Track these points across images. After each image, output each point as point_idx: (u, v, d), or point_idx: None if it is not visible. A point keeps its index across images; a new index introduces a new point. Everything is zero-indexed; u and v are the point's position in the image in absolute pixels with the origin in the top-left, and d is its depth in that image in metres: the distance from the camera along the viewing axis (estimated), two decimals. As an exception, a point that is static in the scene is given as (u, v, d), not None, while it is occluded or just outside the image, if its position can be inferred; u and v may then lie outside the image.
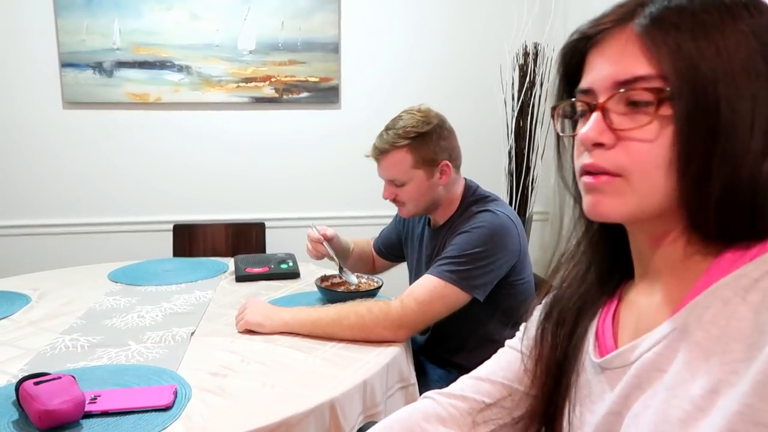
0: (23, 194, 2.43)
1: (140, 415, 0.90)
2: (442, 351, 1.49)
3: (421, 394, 1.23)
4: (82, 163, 2.45)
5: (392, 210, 1.52)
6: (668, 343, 0.49)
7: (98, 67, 2.36)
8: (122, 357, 1.14)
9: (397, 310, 1.23)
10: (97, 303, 1.47)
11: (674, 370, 0.47)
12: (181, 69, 2.41)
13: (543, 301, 0.67)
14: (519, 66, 2.49)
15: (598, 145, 0.50)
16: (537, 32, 2.48)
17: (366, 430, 1.04)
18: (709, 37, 0.45)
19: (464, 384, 0.70)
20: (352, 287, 1.51)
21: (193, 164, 2.52)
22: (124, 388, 0.98)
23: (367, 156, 1.45)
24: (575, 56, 0.55)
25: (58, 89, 2.37)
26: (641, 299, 0.56)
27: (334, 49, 2.50)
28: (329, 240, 1.58)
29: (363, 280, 1.54)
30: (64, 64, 2.34)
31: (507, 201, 2.51)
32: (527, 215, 2.56)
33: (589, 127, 0.50)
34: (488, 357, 0.73)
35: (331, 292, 1.46)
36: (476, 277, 1.27)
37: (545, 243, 2.83)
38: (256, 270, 1.71)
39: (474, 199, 1.43)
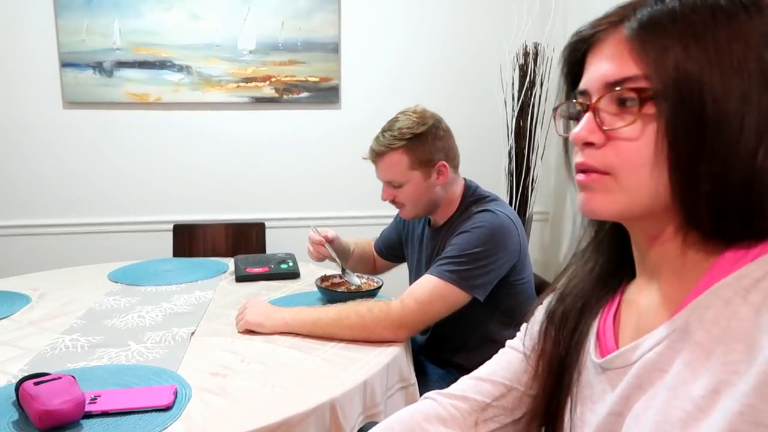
0: (23, 194, 2.43)
1: (140, 415, 0.90)
2: (442, 351, 1.49)
3: (421, 394, 1.24)
4: (82, 163, 2.45)
5: (392, 210, 1.52)
6: (669, 343, 0.49)
7: (98, 67, 2.36)
8: (122, 357, 1.14)
9: (398, 310, 1.23)
10: (97, 303, 1.47)
11: (675, 371, 0.48)
12: (181, 69, 2.41)
13: (546, 301, 0.67)
14: (519, 66, 2.49)
15: (589, 144, 0.51)
16: (537, 32, 2.48)
17: (366, 430, 1.04)
18: (697, 38, 0.45)
19: (465, 384, 0.70)
20: (353, 288, 1.51)
21: (193, 164, 2.52)
22: (124, 389, 0.98)
23: (365, 158, 1.45)
24: (575, 58, 0.56)
25: (58, 89, 2.37)
26: (642, 299, 0.56)
27: (334, 49, 2.50)
28: (330, 242, 1.58)
29: (363, 280, 1.54)
30: (64, 64, 2.34)
31: (507, 201, 2.51)
32: (527, 215, 2.57)
33: (580, 127, 0.51)
34: (488, 357, 0.73)
35: (331, 292, 1.45)
36: (476, 277, 1.27)
37: (545, 243, 2.83)
38: (256, 270, 1.71)
39: (474, 199, 1.43)
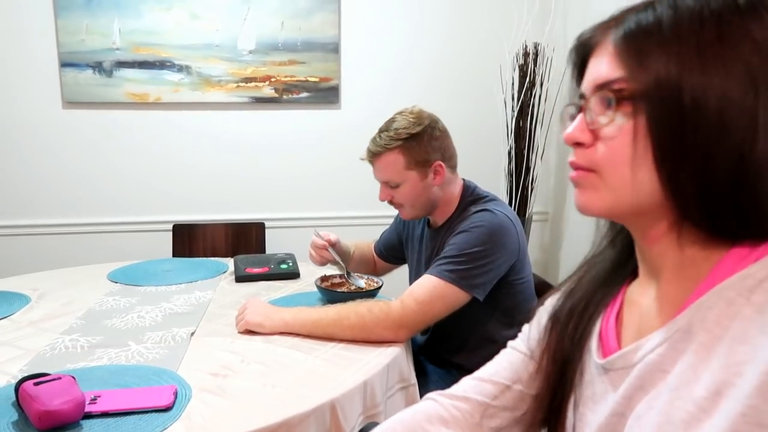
0: (23, 194, 2.43)
1: (140, 415, 0.90)
2: (442, 351, 1.49)
3: (421, 395, 1.24)
4: (81, 163, 2.45)
5: (392, 211, 1.52)
6: (672, 344, 0.49)
7: (98, 67, 2.36)
8: (122, 357, 1.14)
9: (398, 310, 1.23)
10: (96, 303, 1.47)
11: (678, 372, 0.48)
12: (180, 69, 2.41)
13: (548, 301, 0.68)
14: (519, 66, 2.49)
15: (579, 144, 0.53)
16: (537, 32, 2.48)
17: (368, 431, 1.04)
18: (680, 43, 0.47)
19: (467, 385, 0.70)
20: (353, 288, 1.51)
21: (192, 164, 2.52)
22: (124, 389, 0.98)
23: (362, 159, 1.45)
24: (579, 60, 0.57)
25: (57, 89, 2.37)
26: (644, 299, 0.56)
27: (334, 49, 2.50)
28: (333, 245, 1.58)
29: (363, 280, 1.54)
30: (64, 64, 2.34)
31: (507, 201, 2.51)
32: (527, 215, 2.57)
33: (572, 127, 0.54)
34: (488, 357, 0.73)
35: (331, 293, 1.45)
36: (476, 277, 1.27)
37: (545, 243, 2.83)
38: (256, 270, 1.71)
39: (472, 198, 1.43)
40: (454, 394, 0.70)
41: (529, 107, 2.48)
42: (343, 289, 1.51)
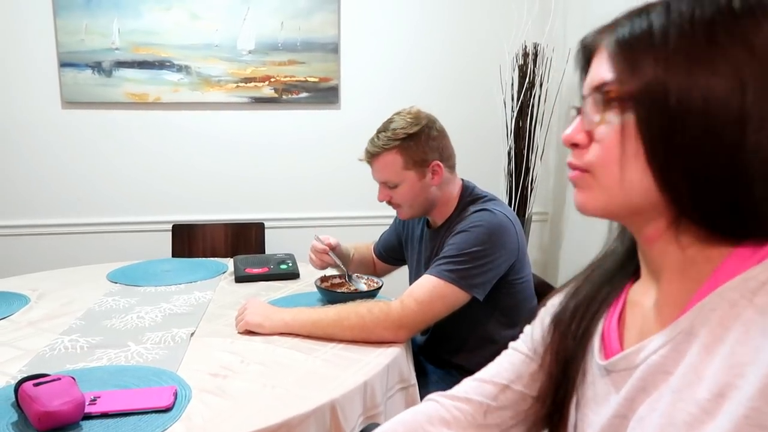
0: (22, 194, 2.42)
1: (140, 416, 0.90)
2: (441, 351, 1.49)
3: (421, 395, 1.24)
4: (80, 163, 2.44)
5: (391, 211, 1.52)
6: (674, 345, 0.49)
7: (97, 66, 2.36)
8: (122, 358, 1.13)
9: (398, 310, 1.23)
10: (96, 304, 1.47)
11: (680, 373, 0.48)
12: (180, 69, 2.41)
13: (550, 302, 0.68)
14: (518, 66, 2.49)
15: (576, 144, 0.54)
16: (537, 32, 2.48)
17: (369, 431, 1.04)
18: (666, 47, 0.47)
19: (468, 386, 0.70)
20: (353, 288, 1.51)
21: (192, 164, 2.52)
22: (123, 390, 0.98)
23: (361, 160, 1.46)
24: (583, 63, 0.58)
25: (56, 89, 2.36)
26: (646, 300, 0.56)
27: (333, 49, 2.50)
28: (333, 249, 1.58)
29: (363, 280, 1.54)
30: (63, 64, 2.34)
31: (506, 201, 2.51)
32: (526, 215, 2.57)
33: (570, 128, 0.55)
34: (488, 357, 0.74)
35: (331, 293, 1.45)
36: (475, 276, 1.27)
37: (544, 243, 2.83)
38: (256, 270, 1.71)
39: (471, 198, 1.43)
40: (455, 395, 0.70)
41: (528, 107, 2.48)
42: (343, 289, 1.50)
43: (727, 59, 0.45)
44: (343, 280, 1.55)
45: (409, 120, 1.39)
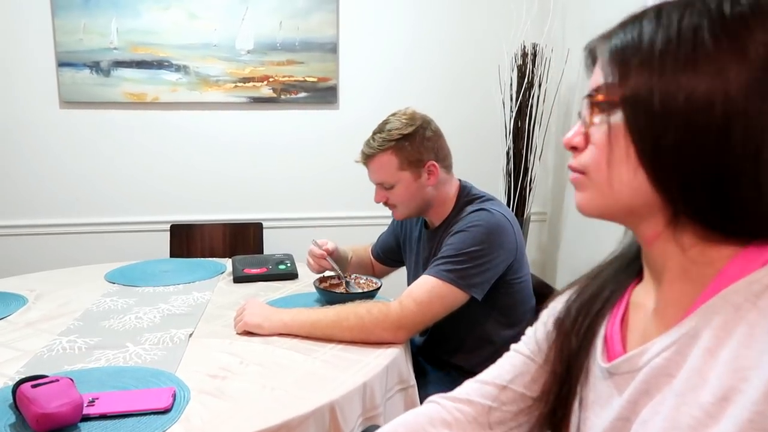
0: (20, 194, 2.41)
1: (139, 417, 0.90)
2: (440, 352, 1.49)
3: (420, 396, 1.24)
4: (78, 163, 2.44)
5: (389, 211, 1.52)
6: (678, 348, 0.49)
7: (95, 66, 2.35)
8: (120, 359, 1.13)
9: (397, 311, 1.23)
10: (94, 304, 1.47)
11: (684, 376, 0.48)
12: (178, 69, 2.41)
13: (552, 304, 0.68)
14: (517, 66, 2.48)
15: (575, 147, 0.56)
16: (536, 33, 2.48)
17: (369, 433, 1.03)
18: (652, 57, 0.49)
19: (469, 388, 0.70)
20: (352, 290, 1.50)
21: (190, 164, 2.51)
22: (122, 391, 0.98)
23: (357, 161, 1.46)
24: (590, 67, 0.58)
25: (55, 89, 2.36)
26: (649, 302, 0.56)
27: (332, 49, 2.50)
28: (331, 254, 1.58)
29: (362, 281, 1.54)
30: (61, 64, 2.33)
31: (505, 201, 2.51)
32: (525, 216, 2.57)
33: (570, 132, 0.57)
34: (486, 357, 0.74)
35: (330, 294, 1.45)
36: (473, 276, 1.27)
37: (543, 243, 2.83)
38: (254, 271, 1.71)
39: (469, 198, 1.43)
40: (456, 397, 0.70)
41: (527, 108, 2.48)
42: (342, 289, 1.50)
43: (712, 62, 0.46)
44: (342, 281, 1.54)
45: (404, 121, 1.39)
